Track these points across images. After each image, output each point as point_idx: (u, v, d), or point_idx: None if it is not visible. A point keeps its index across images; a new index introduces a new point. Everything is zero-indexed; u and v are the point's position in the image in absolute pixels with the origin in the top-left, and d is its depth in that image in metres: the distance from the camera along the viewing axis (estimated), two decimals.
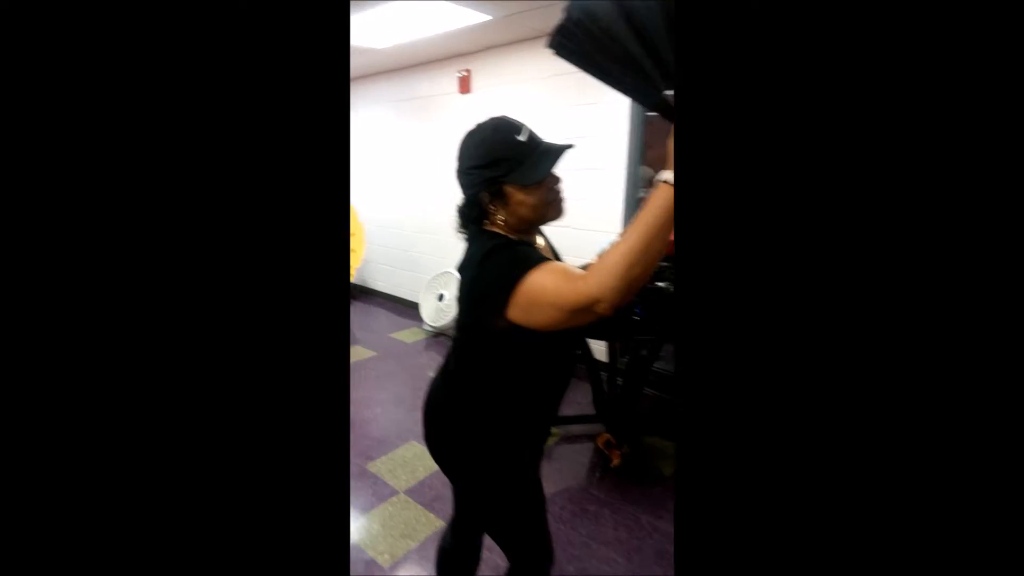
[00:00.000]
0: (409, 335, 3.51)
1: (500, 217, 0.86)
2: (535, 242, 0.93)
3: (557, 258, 0.98)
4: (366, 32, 2.59)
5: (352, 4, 2.17)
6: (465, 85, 3.13)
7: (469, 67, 3.09)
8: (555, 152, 0.83)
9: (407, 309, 3.97)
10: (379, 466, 2.00)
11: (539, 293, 0.74)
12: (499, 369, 0.89)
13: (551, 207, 0.87)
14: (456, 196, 0.88)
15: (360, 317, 3.89)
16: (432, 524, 1.68)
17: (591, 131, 2.62)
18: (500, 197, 0.84)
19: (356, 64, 3.43)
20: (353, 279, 3.37)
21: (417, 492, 1.84)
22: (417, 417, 2.43)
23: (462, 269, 0.88)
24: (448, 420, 0.95)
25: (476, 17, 2.34)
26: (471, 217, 0.88)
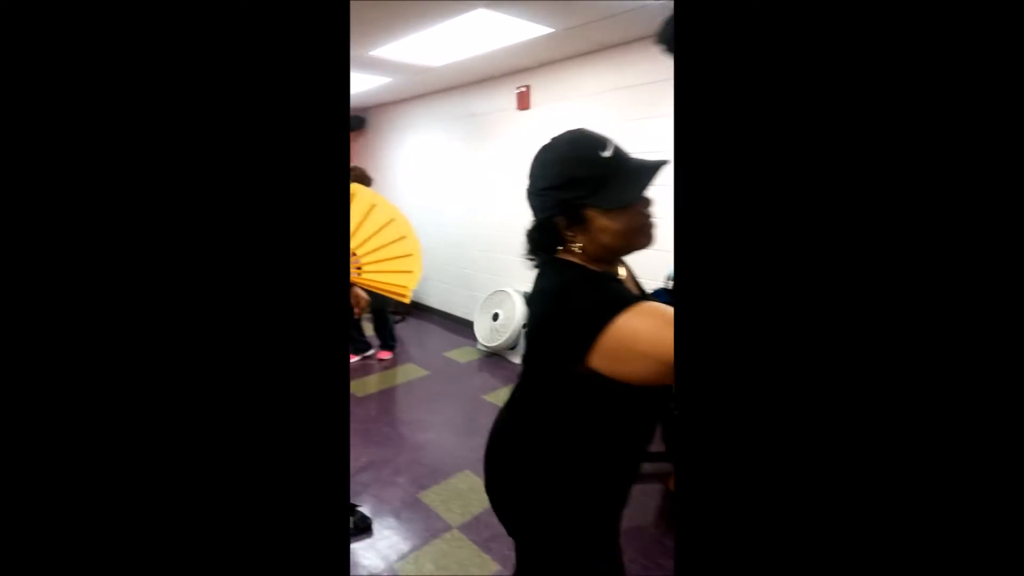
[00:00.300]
0: (462, 354, 3.45)
1: (578, 244, 0.74)
2: (617, 273, 0.80)
3: (642, 292, 0.85)
4: (423, 50, 2.59)
5: (408, 24, 2.16)
6: (524, 101, 3.07)
7: (528, 83, 3.03)
8: (647, 171, 0.71)
9: (461, 327, 3.92)
10: (432, 497, 1.91)
11: (631, 341, 0.61)
12: (576, 419, 0.76)
13: (639, 234, 0.75)
14: (520, 216, 0.77)
15: (414, 334, 3.88)
16: (487, 567, 1.56)
17: (658, 146, 2.47)
18: (579, 222, 0.73)
19: (412, 83, 3.47)
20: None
21: (472, 529, 1.73)
22: (471, 444, 2.39)
23: (532, 302, 0.77)
24: (515, 471, 0.84)
25: (537, 30, 2.27)
26: (543, 243, 0.77)
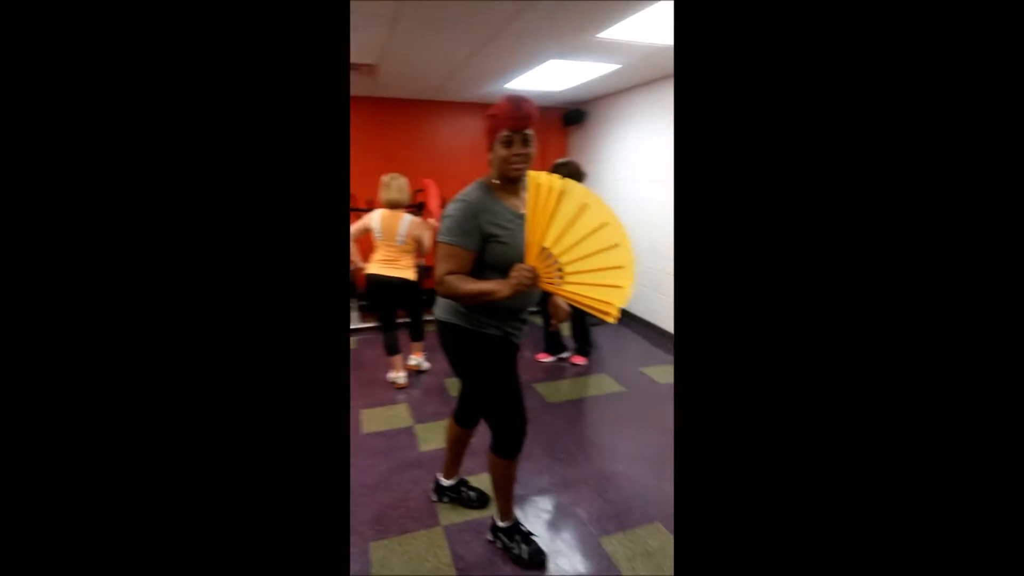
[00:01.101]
0: (662, 373, 3.05)
1: None
2: None
3: None
4: (653, 27, 2.25)
5: None
6: None
7: None
8: None
9: (663, 340, 3.51)
10: (615, 545, 1.65)
11: None
12: None
13: None
14: None
15: (611, 340, 3.63)
16: None
17: None
18: None
19: (636, 69, 3.15)
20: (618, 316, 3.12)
21: None
22: (665, 490, 2.01)
23: None
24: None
25: None
26: None
